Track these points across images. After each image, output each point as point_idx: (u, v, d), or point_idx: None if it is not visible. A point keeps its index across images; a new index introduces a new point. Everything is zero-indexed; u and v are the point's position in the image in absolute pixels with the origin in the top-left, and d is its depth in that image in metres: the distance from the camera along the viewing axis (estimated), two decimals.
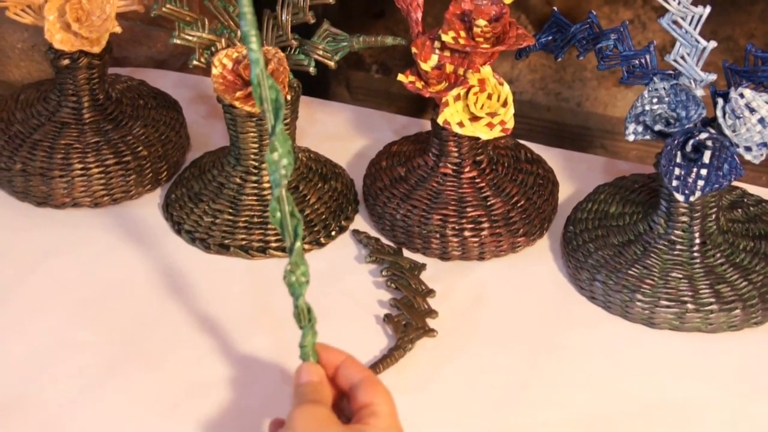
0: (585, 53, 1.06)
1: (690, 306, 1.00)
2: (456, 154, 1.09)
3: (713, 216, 1.03)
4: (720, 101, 0.98)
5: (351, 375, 0.80)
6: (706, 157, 0.98)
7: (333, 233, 1.11)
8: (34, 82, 1.27)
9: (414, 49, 1.05)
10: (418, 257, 1.09)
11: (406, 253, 1.09)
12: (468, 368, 0.98)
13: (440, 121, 1.05)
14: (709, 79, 1.00)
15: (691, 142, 0.98)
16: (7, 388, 0.96)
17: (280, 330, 1.01)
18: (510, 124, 1.04)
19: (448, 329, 1.01)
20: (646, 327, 1.01)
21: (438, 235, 1.08)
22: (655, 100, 1.01)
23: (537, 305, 1.04)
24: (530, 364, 0.98)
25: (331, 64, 1.09)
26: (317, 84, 1.43)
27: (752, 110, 0.97)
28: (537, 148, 1.19)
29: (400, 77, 1.07)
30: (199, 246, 1.10)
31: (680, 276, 1.01)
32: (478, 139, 1.08)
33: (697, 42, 0.99)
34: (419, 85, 1.06)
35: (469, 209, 1.08)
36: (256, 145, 1.10)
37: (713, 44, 0.99)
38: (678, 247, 1.03)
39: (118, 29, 1.13)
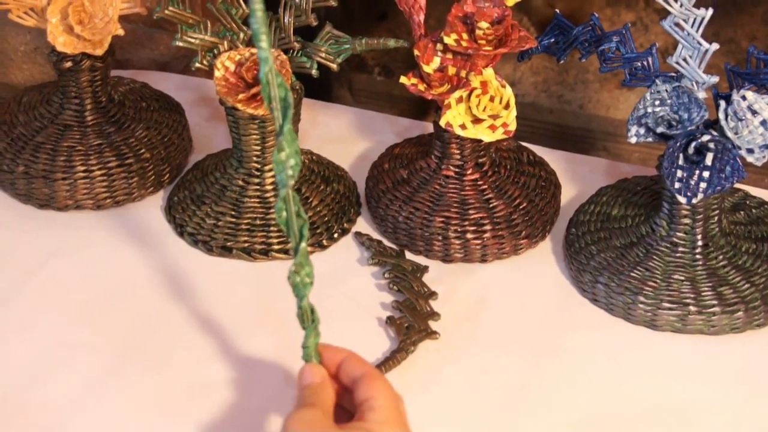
0: (587, 56, 1.06)
1: (692, 308, 1.00)
2: (458, 157, 1.09)
3: (715, 218, 1.03)
4: (722, 103, 0.98)
5: (352, 371, 0.80)
6: (709, 159, 0.98)
7: (335, 235, 1.11)
8: (37, 84, 1.27)
9: (416, 52, 1.05)
10: (421, 259, 1.09)
11: (409, 255, 1.09)
12: (470, 370, 0.98)
13: (442, 123, 1.05)
14: (711, 82, 1.00)
15: (693, 144, 0.98)
16: (9, 390, 0.96)
17: (283, 332, 1.01)
18: (512, 127, 1.04)
19: (451, 331, 1.01)
20: (649, 329, 1.01)
21: (440, 238, 1.08)
22: (657, 103, 1.01)
23: (539, 307, 1.04)
24: (532, 367, 0.98)
25: (334, 66, 1.09)
26: (319, 86, 1.43)
27: (754, 112, 0.97)
28: (539, 151, 1.19)
29: (403, 79, 1.07)
30: (201, 248, 1.10)
31: (682, 278, 1.01)
32: (480, 141, 1.08)
33: (699, 44, 0.99)
34: (421, 87, 1.06)
35: (471, 211, 1.08)
36: (259, 148, 1.10)
37: (715, 46, 0.99)
38: (680, 249, 1.03)
39: (120, 32, 1.13)
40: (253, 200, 1.11)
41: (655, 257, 1.03)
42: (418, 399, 0.94)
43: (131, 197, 1.16)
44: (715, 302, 1.00)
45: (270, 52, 0.70)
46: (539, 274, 1.08)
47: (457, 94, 1.04)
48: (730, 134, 0.97)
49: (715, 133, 0.98)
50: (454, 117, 1.04)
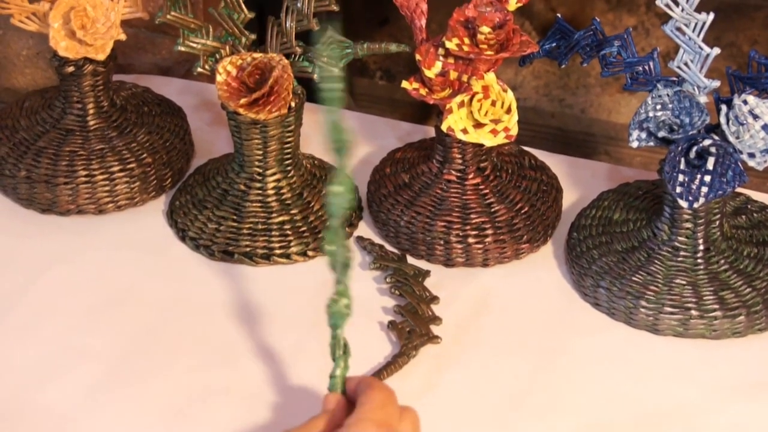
0: (589, 60, 1.06)
1: (694, 312, 1.00)
2: (460, 161, 1.09)
3: (717, 222, 1.03)
4: (723, 108, 0.98)
5: (355, 386, 0.80)
6: (710, 163, 0.98)
7: None
8: (39, 89, 1.27)
9: (418, 56, 1.05)
10: (422, 264, 1.09)
11: (410, 259, 1.09)
12: (472, 375, 0.98)
13: (444, 127, 1.05)
14: (712, 86, 1.00)
15: (694, 148, 0.98)
16: (13, 394, 0.96)
17: (285, 336, 1.01)
18: (514, 131, 1.04)
19: (452, 336, 1.01)
20: (650, 333, 1.01)
21: (442, 242, 1.08)
22: (658, 107, 1.01)
23: (541, 312, 1.04)
24: (534, 371, 0.98)
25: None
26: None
27: (756, 117, 0.97)
28: (541, 155, 1.19)
29: (404, 84, 1.07)
30: (203, 253, 1.10)
31: (684, 282, 1.01)
32: (482, 145, 1.08)
33: (701, 49, 0.99)
34: (423, 91, 1.06)
35: (473, 216, 1.08)
36: (261, 152, 1.10)
37: (717, 51, 0.99)
38: (682, 253, 1.03)
39: (122, 36, 1.13)
40: (254, 205, 1.11)
41: (656, 261, 1.03)
42: (419, 403, 0.94)
43: (133, 202, 1.16)
44: (716, 306, 1.00)
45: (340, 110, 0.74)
46: (541, 279, 1.08)
47: (458, 98, 1.04)
48: (731, 138, 0.98)
49: (716, 138, 0.98)
50: (455, 121, 1.04)
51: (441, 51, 1.05)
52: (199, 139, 1.25)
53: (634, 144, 1.01)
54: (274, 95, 1.05)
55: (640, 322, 1.02)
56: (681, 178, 0.99)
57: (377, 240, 1.12)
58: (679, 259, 1.03)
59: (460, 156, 1.09)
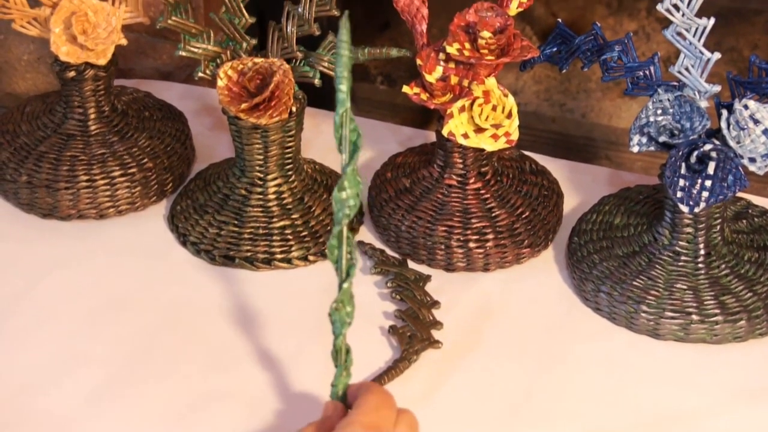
0: (589, 65, 1.06)
1: (695, 317, 1.00)
2: (461, 166, 1.09)
3: (718, 227, 1.03)
4: (724, 112, 0.98)
5: (355, 392, 0.80)
6: (711, 168, 0.98)
7: None
8: (40, 94, 1.27)
9: (419, 61, 1.05)
10: (423, 268, 1.09)
11: (411, 264, 1.09)
12: (473, 379, 0.98)
13: (445, 132, 1.05)
14: (713, 91, 1.00)
15: (695, 153, 0.98)
16: (14, 399, 0.96)
17: (286, 341, 1.01)
18: (515, 136, 1.05)
19: (453, 341, 1.01)
20: (651, 338, 1.01)
21: (443, 247, 1.08)
22: (659, 112, 1.01)
23: (542, 316, 1.04)
24: (535, 376, 0.98)
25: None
26: (322, 95, 1.43)
27: (756, 121, 0.97)
28: (542, 159, 1.19)
29: (405, 89, 1.07)
30: (204, 258, 1.10)
31: (685, 287, 1.01)
32: (482, 150, 1.08)
33: (701, 53, 0.99)
34: (424, 96, 1.06)
35: (473, 220, 1.08)
36: (261, 157, 1.10)
37: (717, 55, 0.99)
38: (683, 258, 1.03)
39: (123, 41, 1.13)
40: (255, 209, 1.11)
41: (657, 266, 1.03)
42: (420, 408, 0.94)
43: (134, 206, 1.16)
44: (717, 311, 1.00)
45: (348, 94, 0.73)
46: (542, 283, 1.08)
47: (459, 103, 1.04)
48: (732, 143, 0.98)
49: (717, 142, 0.98)
50: (456, 126, 1.04)
51: (442, 56, 1.05)
52: (200, 143, 1.25)
53: (635, 149, 1.02)
54: (275, 100, 1.05)
55: (641, 326, 1.02)
56: (682, 182, 0.99)
57: (378, 245, 1.12)
58: (680, 263, 1.03)
59: (461, 161, 1.09)
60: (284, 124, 1.08)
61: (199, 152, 1.24)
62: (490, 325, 1.03)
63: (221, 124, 1.29)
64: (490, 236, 1.08)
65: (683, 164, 0.99)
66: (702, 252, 1.03)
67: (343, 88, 0.72)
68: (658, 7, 0.98)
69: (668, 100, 1.01)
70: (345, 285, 0.79)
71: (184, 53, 1.09)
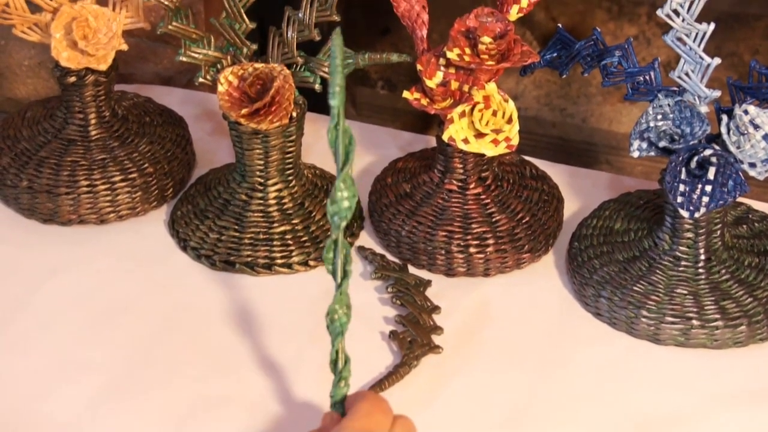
0: (590, 70, 1.06)
1: (695, 322, 1.00)
2: (461, 171, 1.09)
3: (718, 232, 1.03)
4: (724, 118, 0.98)
5: (350, 402, 0.81)
6: (711, 173, 0.98)
7: None
8: (41, 99, 1.27)
9: (419, 66, 1.06)
10: (424, 273, 1.09)
11: (412, 269, 1.09)
12: (473, 384, 0.98)
13: (445, 137, 1.05)
14: (713, 96, 1.00)
15: (695, 158, 0.98)
16: (14, 405, 0.96)
17: (287, 346, 1.01)
18: (515, 141, 1.05)
19: (454, 346, 1.01)
20: (652, 343, 1.01)
21: (443, 252, 1.08)
22: (659, 117, 1.01)
23: (542, 322, 1.04)
24: (535, 381, 0.98)
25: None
26: (323, 100, 1.43)
27: (756, 126, 0.97)
28: (542, 164, 1.19)
29: (406, 94, 1.07)
30: (204, 263, 1.10)
31: (685, 292, 1.01)
32: (483, 155, 1.08)
33: (702, 58, 0.99)
34: (424, 101, 1.06)
35: (474, 225, 1.08)
36: (262, 162, 1.10)
37: (717, 61, 0.99)
38: (683, 263, 1.03)
39: (124, 46, 1.14)
40: (256, 214, 1.11)
41: (657, 271, 1.03)
42: (420, 413, 0.94)
43: (135, 212, 1.16)
44: (718, 316, 1.00)
45: (341, 108, 0.74)
46: (542, 288, 1.08)
47: (459, 108, 1.04)
48: (732, 148, 0.98)
49: (717, 148, 0.98)
50: (456, 131, 1.04)
51: (442, 61, 1.05)
52: (200, 148, 1.25)
53: (635, 154, 1.02)
54: (276, 105, 1.05)
55: (641, 331, 1.02)
56: (682, 187, 0.99)
57: (378, 250, 1.12)
58: (681, 268, 1.03)
59: (461, 166, 1.09)
60: (285, 130, 1.08)
61: (199, 157, 1.24)
62: (490, 330, 1.03)
63: (222, 130, 1.29)
64: (491, 241, 1.08)
65: (683, 169, 0.99)
66: (702, 257, 1.03)
67: (335, 103, 0.73)
68: (659, 12, 0.98)
69: (668, 105, 1.01)
70: (342, 287, 0.79)
71: (184, 58, 1.09)
